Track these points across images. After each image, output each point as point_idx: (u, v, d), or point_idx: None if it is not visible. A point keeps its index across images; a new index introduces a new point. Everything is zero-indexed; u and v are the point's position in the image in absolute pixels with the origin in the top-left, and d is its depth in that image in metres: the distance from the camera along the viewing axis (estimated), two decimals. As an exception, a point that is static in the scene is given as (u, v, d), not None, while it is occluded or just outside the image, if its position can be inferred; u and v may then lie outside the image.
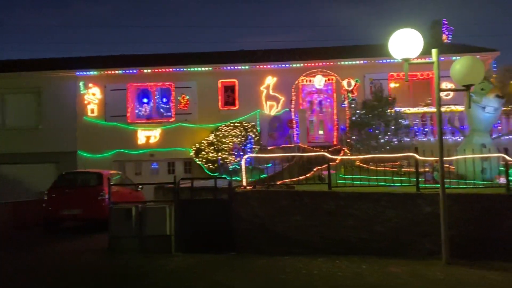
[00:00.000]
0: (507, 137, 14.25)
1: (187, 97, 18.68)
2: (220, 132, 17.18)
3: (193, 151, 17.30)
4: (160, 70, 18.98)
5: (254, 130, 17.32)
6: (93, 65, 19.37)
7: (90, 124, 18.76)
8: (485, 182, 9.92)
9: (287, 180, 10.08)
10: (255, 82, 18.55)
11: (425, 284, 6.72)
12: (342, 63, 18.60)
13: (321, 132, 19.16)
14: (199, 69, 18.86)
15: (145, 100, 19.57)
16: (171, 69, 18.94)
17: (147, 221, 9.26)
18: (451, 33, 21.29)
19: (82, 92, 18.81)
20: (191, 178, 10.39)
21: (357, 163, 11.99)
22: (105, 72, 19.00)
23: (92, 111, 18.83)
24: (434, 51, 8.25)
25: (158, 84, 19.33)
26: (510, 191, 8.73)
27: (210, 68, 18.89)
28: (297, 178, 10.40)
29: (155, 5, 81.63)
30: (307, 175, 10.72)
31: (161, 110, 19.60)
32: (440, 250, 7.85)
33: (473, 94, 11.33)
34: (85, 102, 18.84)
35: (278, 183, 10.02)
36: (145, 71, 18.98)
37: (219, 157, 15.39)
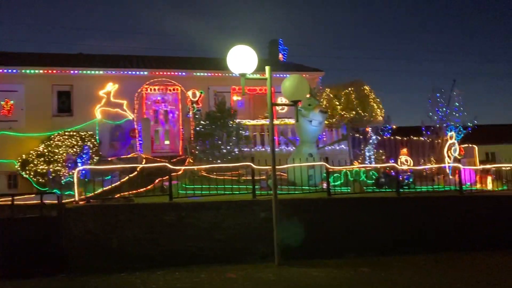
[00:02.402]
0: (330, 147, 16.19)
1: (12, 102, 16.46)
2: (52, 141, 15.52)
3: (19, 163, 15.25)
4: (-23, 70, 16.34)
5: (93, 140, 16.16)
6: None
7: None
8: (311, 188, 11.03)
9: (126, 193, 9.62)
10: (95, 88, 17.36)
11: (258, 286, 7.08)
12: (187, 74, 18.73)
13: (167, 142, 18.92)
14: (28, 71, 16.82)
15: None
16: (-8, 70, 16.46)
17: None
18: (286, 52, 23.35)
19: None
20: (12, 194, 9.11)
21: (202, 173, 12.15)
22: None
23: None
24: (267, 68, 8.87)
25: (-25, 86, 16.61)
26: (330, 195, 9.89)
27: (41, 71, 17.01)
28: (136, 190, 10.01)
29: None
30: (149, 186, 10.42)
31: (-21, 116, 16.85)
32: (273, 253, 8.42)
33: (302, 109, 12.61)
34: None
35: (116, 196, 9.49)
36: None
37: (50, 170, 13.86)
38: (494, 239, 10.30)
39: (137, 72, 18.17)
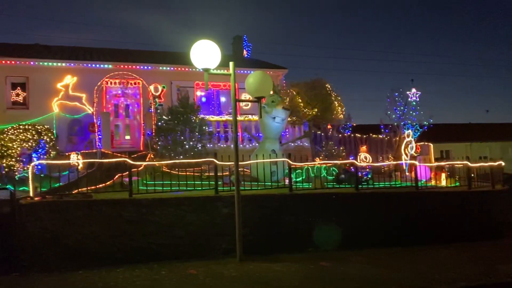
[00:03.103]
0: (293, 144, 16.38)
1: (-38, 93, 15.62)
2: (5, 135, 14.83)
3: (-32, 158, 14.47)
4: None
5: (50, 134, 15.53)
6: None
7: None
8: (274, 184, 11.13)
9: (84, 189, 9.34)
10: (52, 81, 16.76)
11: (220, 282, 7.09)
12: (150, 68, 18.40)
13: (127, 137, 18.52)
14: (-22, 61, 16.00)
15: None
16: None
17: None
18: (250, 49, 23.38)
19: None
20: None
21: (163, 168, 11.98)
22: None
23: None
24: (231, 64, 8.87)
25: None
26: (292, 191, 10.02)
27: (-7, 61, 16.22)
28: (95, 186, 9.75)
29: None
30: (108, 182, 10.18)
31: None
32: (235, 248, 8.45)
33: (265, 106, 12.69)
34: None
35: (73, 192, 9.21)
36: None
37: (2, 165, 13.25)
38: (448, 233, 10.78)
39: (97, 65, 17.68)
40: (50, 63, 16.95)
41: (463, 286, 7.16)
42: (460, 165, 13.09)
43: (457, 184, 13.05)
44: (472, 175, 12.67)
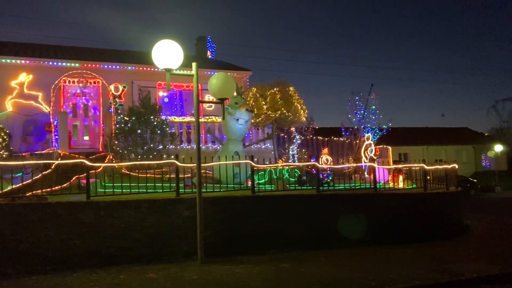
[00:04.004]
0: (256, 146, 16.43)
1: None
2: (-46, 135, 14.04)
3: None
4: None
5: (3, 134, 14.86)
6: None
7: None
8: (236, 185, 11.10)
9: (39, 191, 8.97)
10: (6, 78, 16.07)
11: (180, 285, 6.98)
12: (110, 67, 17.96)
13: (86, 137, 17.99)
14: None
15: None
16: None
17: None
18: (214, 50, 23.30)
19: None
20: None
21: (123, 170, 11.70)
22: None
23: None
24: (194, 65, 8.78)
25: None
26: (255, 193, 10.03)
27: None
28: (51, 189, 9.38)
29: None
30: (64, 184, 9.82)
31: None
32: (197, 251, 8.36)
33: (228, 107, 12.65)
34: None
35: (27, 194, 8.82)
36: None
37: None
38: (405, 233, 11.11)
39: (55, 63, 17.10)
40: (3, 60, 16.23)
41: (418, 284, 7.40)
42: (416, 168, 13.54)
43: (414, 186, 13.49)
44: (428, 177, 13.12)
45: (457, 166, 15.26)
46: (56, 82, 16.39)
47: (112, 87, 17.15)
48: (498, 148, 38.73)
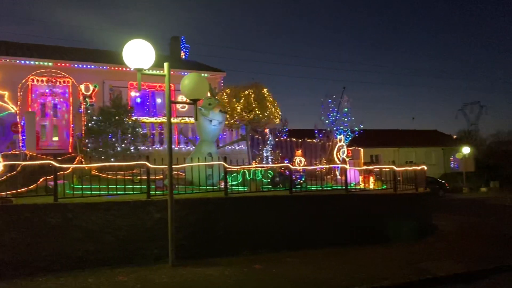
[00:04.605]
0: (230, 147, 16.38)
1: None
2: None
3: None
4: None
5: (-34, 134, 14.34)
6: None
7: None
8: (209, 187, 11.03)
9: (3, 193, 8.66)
10: (-31, 76, 15.46)
11: (150, 288, 6.89)
12: (80, 66, 17.57)
13: (55, 138, 17.50)
14: None
15: None
16: None
17: None
18: (188, 50, 23.12)
19: None
20: None
21: (93, 172, 11.44)
22: None
23: None
24: (165, 65, 8.69)
25: None
26: (227, 194, 9.99)
27: None
28: (16, 191, 9.08)
29: None
30: (31, 186, 9.53)
31: None
32: (168, 254, 8.25)
33: (202, 108, 12.56)
34: None
35: (-9, 197, 8.51)
36: None
37: None
38: (376, 233, 11.28)
39: (22, 61, 16.61)
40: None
41: (387, 284, 7.53)
42: (387, 169, 13.78)
43: (384, 187, 13.73)
44: (399, 178, 13.38)
45: (426, 168, 15.61)
46: (23, 81, 15.89)
47: (82, 86, 16.75)
48: (466, 150, 39.92)
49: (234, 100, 14.89)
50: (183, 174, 12.48)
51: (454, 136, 51.60)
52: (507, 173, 41.97)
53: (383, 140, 42.13)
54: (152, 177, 9.46)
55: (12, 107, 15.82)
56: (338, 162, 15.50)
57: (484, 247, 11.11)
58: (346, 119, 17.21)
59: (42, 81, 16.59)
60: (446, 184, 34.73)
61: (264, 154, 16.14)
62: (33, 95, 16.72)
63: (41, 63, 16.71)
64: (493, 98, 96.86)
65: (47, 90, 16.91)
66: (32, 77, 16.19)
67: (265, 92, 15.26)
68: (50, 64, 16.84)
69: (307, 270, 8.22)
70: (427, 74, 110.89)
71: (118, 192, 9.15)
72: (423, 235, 12.46)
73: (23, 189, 9.45)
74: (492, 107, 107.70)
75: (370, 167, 14.83)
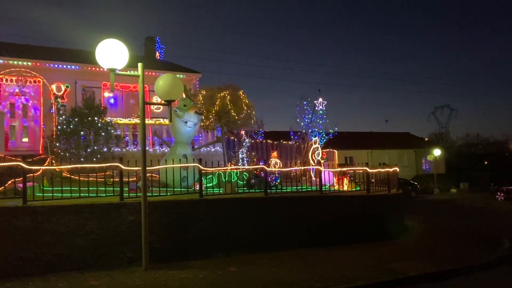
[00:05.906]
0: (205, 149, 16.30)
1: None
2: None
3: None
4: None
5: None
6: None
7: None
8: (184, 189, 10.93)
9: (-31, 196, 8.38)
10: None
11: (123, 292, 6.77)
12: (52, 65, 17.15)
13: (25, 139, 17.03)
14: None
15: None
16: None
17: None
18: (163, 51, 22.89)
19: None
20: None
21: (64, 173, 11.17)
22: None
23: None
24: (139, 65, 8.58)
25: None
26: (202, 196, 9.93)
27: None
28: (-17, 193, 8.78)
29: None
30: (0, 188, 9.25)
31: None
32: (141, 257, 8.13)
33: (177, 109, 12.46)
34: None
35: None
36: None
37: None
38: (350, 234, 11.42)
39: (-10, 60, 16.07)
40: None
41: (361, 284, 7.63)
42: (360, 171, 13.98)
43: (358, 188, 13.92)
44: (372, 180, 13.59)
45: (398, 170, 15.93)
46: (-9, 80, 15.44)
47: (54, 86, 16.37)
48: (437, 152, 41.01)
49: (209, 101, 14.83)
50: (158, 176, 12.34)
51: (426, 139, 52.89)
52: (476, 174, 43.33)
53: (357, 142, 42.78)
54: (125, 179, 9.32)
55: (-21, 107, 15.32)
56: (313, 164, 15.63)
57: (454, 247, 11.41)
58: (321, 121, 17.41)
59: (11, 80, 16.14)
60: (418, 186, 35.54)
61: (240, 156, 16.13)
62: (2, 94, 16.23)
63: (10, 61, 16.24)
64: (464, 102, 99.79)
65: (16, 90, 16.45)
66: (1, 76, 15.72)
67: (241, 93, 15.26)
68: (20, 63, 16.40)
69: (281, 271, 8.25)
70: (400, 78, 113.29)
71: (90, 195, 8.97)
72: (396, 236, 12.69)
73: (-11, 192, 9.14)
74: (462, 110, 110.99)
75: (344, 169, 15.02)
